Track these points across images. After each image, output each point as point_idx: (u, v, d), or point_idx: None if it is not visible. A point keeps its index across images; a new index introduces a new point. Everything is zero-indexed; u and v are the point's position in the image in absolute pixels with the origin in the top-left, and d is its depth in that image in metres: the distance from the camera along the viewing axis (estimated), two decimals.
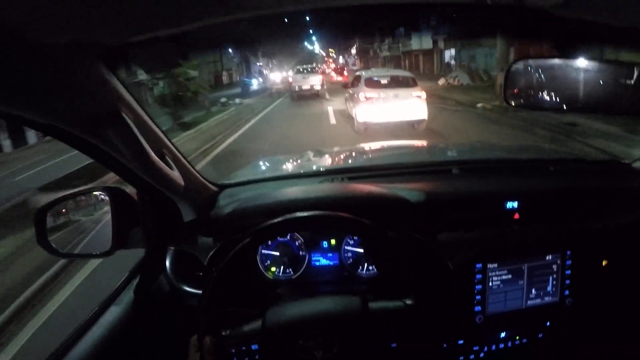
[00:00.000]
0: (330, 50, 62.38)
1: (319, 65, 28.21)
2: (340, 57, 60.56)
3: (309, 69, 19.72)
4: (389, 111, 8.97)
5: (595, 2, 0.69)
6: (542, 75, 1.04)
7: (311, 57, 43.58)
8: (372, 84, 9.51)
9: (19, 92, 0.61)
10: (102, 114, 0.78)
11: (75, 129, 0.77)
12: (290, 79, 20.47)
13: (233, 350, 0.98)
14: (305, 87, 18.17)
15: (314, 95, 17.87)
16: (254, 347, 0.98)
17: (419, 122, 9.24)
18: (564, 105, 1.05)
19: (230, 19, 0.63)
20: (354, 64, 54.30)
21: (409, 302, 1.06)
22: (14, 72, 0.58)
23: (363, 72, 10.84)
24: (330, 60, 57.58)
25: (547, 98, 1.04)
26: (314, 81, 18.27)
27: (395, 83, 9.50)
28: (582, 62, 1.02)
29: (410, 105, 9.03)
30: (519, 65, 1.04)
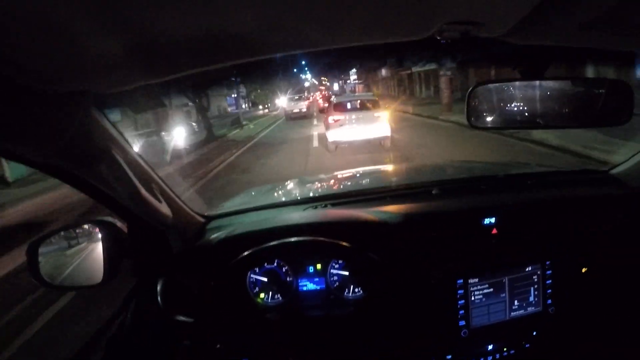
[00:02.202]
0: (322, 79, 62.63)
1: (306, 95, 34.80)
2: (336, 85, 59.67)
3: (297, 98, 27.56)
4: (355, 131, 10.15)
5: (542, 28, 0.73)
6: (503, 97, 1.10)
7: (301, 88, 44.26)
8: (339, 108, 10.86)
9: (17, 133, 0.66)
10: (94, 152, 0.83)
11: (69, 166, 0.81)
12: (285, 105, 28.15)
13: None
14: (296, 110, 25.13)
15: (302, 116, 24.12)
16: None
17: (383, 138, 10.28)
18: (527, 124, 1.11)
19: (219, 67, 0.68)
20: (352, 90, 51.97)
21: (397, 327, 1.09)
22: (13, 115, 0.62)
23: (333, 98, 13.16)
24: (323, 88, 57.27)
25: (510, 118, 1.10)
26: (302, 106, 25.43)
27: (360, 106, 10.85)
28: (539, 82, 1.08)
29: (374, 125, 10.14)
30: (480, 88, 1.10)
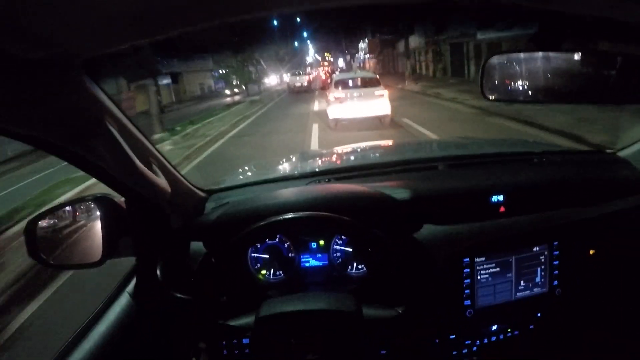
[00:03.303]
0: (325, 54, 60.73)
1: (308, 71, 39.14)
2: (341, 60, 56.67)
3: (299, 73, 30.73)
4: (355, 108, 10.28)
5: None
6: (519, 69, 1.06)
7: (303, 64, 43.92)
8: (340, 85, 10.98)
9: (1, 105, 0.62)
10: (86, 124, 0.78)
11: (60, 139, 0.77)
12: (288, 80, 31.71)
13: (224, 343, 0.99)
14: (297, 84, 28.12)
15: (304, 90, 26.77)
16: (245, 340, 0.99)
17: (383, 116, 10.38)
18: (542, 97, 1.07)
19: (215, 24, 0.64)
20: (360, 66, 48.65)
21: (400, 310, 1.07)
22: None
23: (334, 76, 13.29)
24: (326, 63, 55.61)
25: (524, 91, 1.06)
26: (303, 81, 28.50)
27: (361, 83, 10.94)
28: (558, 54, 1.04)
29: (374, 102, 10.30)
30: (495, 59, 1.06)
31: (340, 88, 10.76)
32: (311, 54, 58.45)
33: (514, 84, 1.07)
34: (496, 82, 1.07)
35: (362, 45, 50.57)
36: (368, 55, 48.85)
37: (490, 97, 1.06)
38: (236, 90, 33.40)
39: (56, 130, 0.75)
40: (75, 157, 0.85)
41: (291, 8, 0.64)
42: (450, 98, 14.79)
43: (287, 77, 37.55)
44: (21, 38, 0.54)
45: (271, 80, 38.06)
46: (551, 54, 1.05)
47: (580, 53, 1.06)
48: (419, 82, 22.73)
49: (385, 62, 43.67)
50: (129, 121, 0.92)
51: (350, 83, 11.10)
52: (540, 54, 1.06)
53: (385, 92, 10.50)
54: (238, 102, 23.95)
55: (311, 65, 51.34)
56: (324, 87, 14.48)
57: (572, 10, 0.78)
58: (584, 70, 1.07)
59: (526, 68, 1.05)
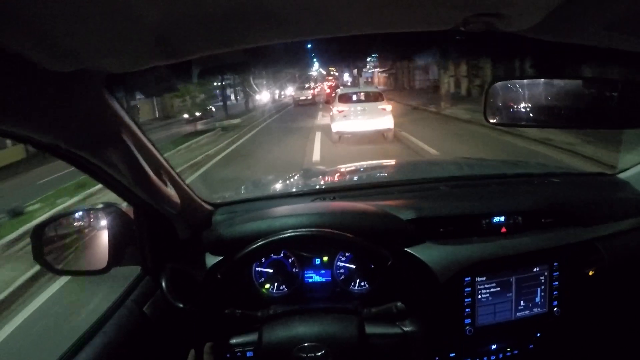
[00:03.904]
0: (330, 69, 60.54)
1: (312, 85, 37.75)
2: (346, 75, 54.28)
3: (304, 87, 32.17)
4: (358, 122, 10.37)
5: (566, 26, 0.72)
6: (521, 94, 1.09)
7: (307, 78, 43.24)
8: (344, 99, 11.05)
9: (26, 114, 0.64)
10: (104, 135, 0.81)
11: (78, 149, 0.80)
12: (293, 94, 31.88)
13: (228, 355, 1.00)
14: (302, 98, 28.79)
15: (309, 104, 27.10)
16: (249, 354, 1.00)
17: (386, 130, 10.40)
18: (543, 122, 1.10)
19: (228, 50, 0.67)
20: (368, 81, 45.38)
21: (401, 327, 1.08)
22: (22, 96, 0.61)
23: (338, 90, 13.49)
24: (331, 78, 55.20)
25: (526, 115, 1.09)
26: (307, 94, 29.29)
27: (365, 98, 11.04)
28: (559, 80, 1.07)
29: (377, 117, 10.34)
30: (498, 85, 1.09)
31: (343, 102, 10.85)
32: (315, 68, 58.32)
33: (516, 109, 1.10)
34: (499, 106, 1.10)
35: (371, 59, 45.52)
36: (378, 69, 46.03)
37: (492, 121, 1.08)
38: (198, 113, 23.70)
39: (74, 140, 0.77)
40: (90, 166, 0.88)
41: (305, 37, 0.67)
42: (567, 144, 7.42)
43: (282, 92, 38.71)
44: (52, 52, 0.57)
45: (265, 96, 34.20)
46: (553, 81, 1.08)
47: (581, 80, 1.10)
48: (459, 105, 16.53)
49: (398, 76, 38.87)
50: (142, 134, 0.95)
51: (354, 97, 11.19)
52: (542, 80, 1.09)
53: (389, 107, 10.57)
54: (201, 132, 16.10)
55: (315, 79, 51.21)
56: (328, 102, 14.34)
57: (571, 40, 0.81)
58: (585, 96, 1.10)
59: (528, 93, 1.08)
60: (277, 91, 40.18)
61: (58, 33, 0.52)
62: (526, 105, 1.09)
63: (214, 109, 25.79)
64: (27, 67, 0.57)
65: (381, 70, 44.71)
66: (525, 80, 1.11)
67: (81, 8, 0.48)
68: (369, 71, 51.02)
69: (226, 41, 0.60)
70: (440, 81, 19.54)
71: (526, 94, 1.08)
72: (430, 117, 14.57)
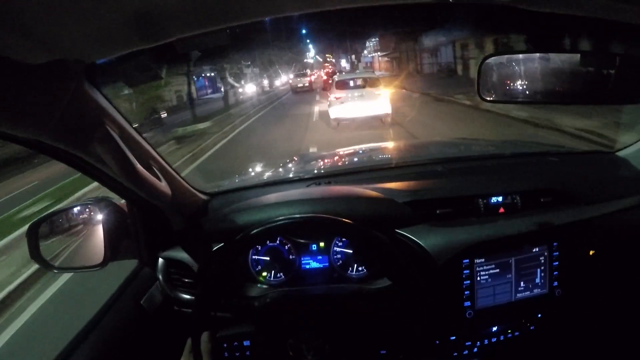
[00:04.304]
0: (327, 55, 59.82)
1: (309, 72, 37.48)
2: (343, 61, 52.25)
3: (301, 74, 32.34)
4: (356, 108, 10.38)
5: None
6: (515, 70, 1.06)
7: (304, 66, 42.60)
8: (341, 85, 11.13)
9: (4, 110, 0.62)
10: (87, 128, 0.79)
11: (61, 143, 0.78)
12: (290, 81, 32.79)
13: (225, 345, 1.00)
14: (300, 85, 28.98)
15: (306, 90, 27.42)
16: (246, 343, 1.00)
17: (384, 116, 10.47)
18: (539, 98, 1.08)
19: (211, 28, 0.64)
20: (367, 66, 43.02)
21: (401, 309, 1.09)
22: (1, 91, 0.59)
23: (335, 76, 13.33)
24: (327, 64, 54.55)
25: (521, 92, 1.07)
26: (305, 81, 29.48)
27: (362, 84, 11.09)
28: (554, 55, 1.04)
29: (375, 102, 10.40)
30: (491, 60, 1.06)
31: (341, 88, 10.91)
32: (311, 55, 57.57)
33: (512, 85, 1.07)
34: (494, 82, 1.08)
35: (370, 43, 43.96)
36: (379, 53, 42.19)
37: (487, 98, 1.06)
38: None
39: (58, 135, 0.75)
40: (77, 161, 0.86)
41: (295, 11, 0.65)
42: None
43: (274, 82, 38.21)
44: (22, 43, 0.55)
45: (250, 87, 30.78)
46: (549, 55, 1.05)
47: (578, 54, 1.07)
48: None
49: (402, 60, 34.74)
50: (129, 125, 0.93)
51: (352, 83, 11.26)
52: (537, 54, 1.07)
53: (386, 92, 10.64)
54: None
55: (312, 67, 50.67)
56: (325, 88, 14.39)
57: (568, 11, 0.79)
58: (582, 71, 1.07)
59: (524, 69, 1.06)
60: (266, 81, 37.22)
61: (28, 20, 0.50)
62: (522, 82, 1.06)
63: (165, 114, 19.50)
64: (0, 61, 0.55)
65: (382, 54, 41.12)
66: (520, 55, 1.09)
67: None
68: (369, 56, 48.72)
69: (209, 19, 0.58)
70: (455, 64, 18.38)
71: (522, 69, 1.06)
72: (472, 115, 10.57)
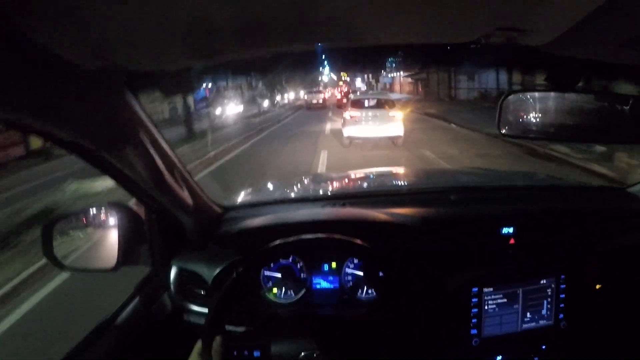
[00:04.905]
0: (342, 74, 59.78)
1: (322, 89, 38.49)
2: (358, 80, 51.03)
3: (315, 92, 33.23)
4: (369, 128, 10.62)
5: (585, 41, 0.73)
6: (535, 107, 1.08)
7: (319, 85, 42.91)
8: (356, 105, 11.34)
9: (50, 110, 0.65)
10: (123, 135, 0.82)
11: (97, 147, 0.80)
12: (305, 97, 33.42)
13: (235, 353, 1.00)
14: (314, 101, 29.92)
15: (320, 107, 27.99)
16: (256, 353, 1.01)
17: (396, 137, 10.66)
18: (555, 135, 1.10)
19: (244, 56, 0.67)
20: (386, 88, 41.45)
21: (408, 335, 1.08)
22: (47, 91, 0.61)
23: (351, 95, 13.72)
24: (342, 83, 54.44)
25: (539, 128, 1.09)
26: (318, 98, 30.37)
27: (377, 105, 11.32)
28: (573, 94, 1.07)
29: (388, 123, 10.57)
30: (512, 97, 1.09)
31: (356, 108, 11.10)
32: (326, 72, 57.57)
33: (529, 121, 1.10)
34: (511, 118, 1.10)
35: (391, 62, 38.48)
36: (402, 73, 38.64)
37: (505, 133, 1.08)
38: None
39: (95, 138, 0.78)
40: (106, 163, 0.88)
41: (336, 44, 0.68)
42: None
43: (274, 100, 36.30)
44: (78, 47, 0.57)
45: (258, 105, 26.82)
46: (566, 94, 1.08)
47: (593, 94, 1.10)
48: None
49: (431, 83, 30.09)
50: (159, 134, 0.96)
51: (366, 103, 11.46)
52: (554, 93, 1.09)
53: (399, 114, 10.78)
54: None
55: (325, 85, 50.70)
56: (340, 106, 14.43)
57: (588, 56, 0.81)
58: (596, 110, 1.10)
59: (541, 106, 1.08)
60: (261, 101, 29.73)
61: (85, 27, 0.52)
62: (539, 118, 1.09)
63: None
64: (52, 62, 0.58)
65: (406, 74, 37.24)
66: (537, 93, 1.11)
67: (113, 3, 0.48)
68: (388, 76, 45.64)
69: (264, 44, 0.60)
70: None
71: (538, 106, 1.08)
72: None
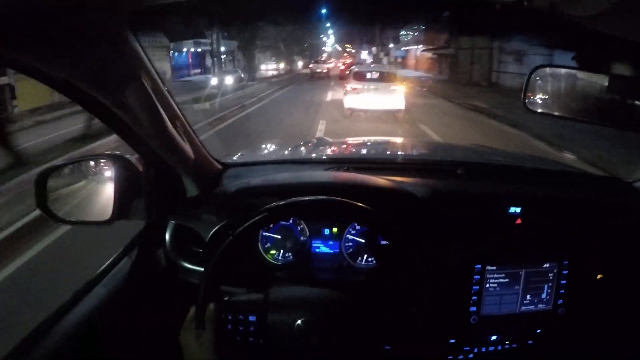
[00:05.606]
0: (346, 45, 58.36)
1: (327, 60, 40.16)
2: (364, 52, 46.04)
3: (320, 61, 35.51)
4: (370, 100, 10.53)
5: (628, 19, 0.68)
6: (562, 84, 1.04)
7: (321, 54, 43.80)
8: (358, 77, 11.24)
9: (42, 43, 0.59)
10: (123, 77, 0.77)
11: (94, 89, 0.75)
12: (311, 66, 35.02)
13: (230, 317, 0.98)
14: (318, 70, 31.50)
15: (324, 76, 29.40)
16: (252, 318, 0.99)
17: (397, 111, 10.65)
18: (581, 116, 1.05)
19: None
20: (397, 62, 36.64)
21: (407, 308, 1.07)
22: (41, 22, 0.56)
23: (353, 67, 13.64)
24: (346, 55, 51.72)
25: (564, 107, 1.04)
26: (323, 68, 31.97)
27: (379, 77, 11.21)
28: (603, 75, 1.01)
29: (389, 96, 10.56)
30: (539, 72, 1.04)
31: (357, 80, 11.02)
32: (330, 43, 56.24)
33: (557, 99, 1.05)
34: (538, 94, 1.05)
35: (407, 32, 33.92)
36: (420, 46, 31.53)
37: (531, 109, 1.04)
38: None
39: (93, 79, 0.73)
40: (102, 108, 0.83)
41: None
42: None
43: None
44: None
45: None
46: (595, 74, 1.03)
47: (622, 79, 1.04)
48: None
49: (460, 61, 23.45)
50: (161, 82, 0.90)
51: (369, 75, 11.34)
52: (583, 73, 1.04)
53: (401, 88, 10.75)
54: None
55: (330, 55, 50.10)
56: (342, 77, 14.45)
57: (619, 34, 0.76)
58: (624, 95, 1.05)
59: (571, 84, 1.03)
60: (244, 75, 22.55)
61: None
62: (566, 96, 1.04)
63: None
64: None
65: (426, 48, 29.86)
66: (566, 71, 1.06)
67: None
68: (401, 49, 38.83)
69: None
70: None
71: (568, 84, 1.03)
72: None
